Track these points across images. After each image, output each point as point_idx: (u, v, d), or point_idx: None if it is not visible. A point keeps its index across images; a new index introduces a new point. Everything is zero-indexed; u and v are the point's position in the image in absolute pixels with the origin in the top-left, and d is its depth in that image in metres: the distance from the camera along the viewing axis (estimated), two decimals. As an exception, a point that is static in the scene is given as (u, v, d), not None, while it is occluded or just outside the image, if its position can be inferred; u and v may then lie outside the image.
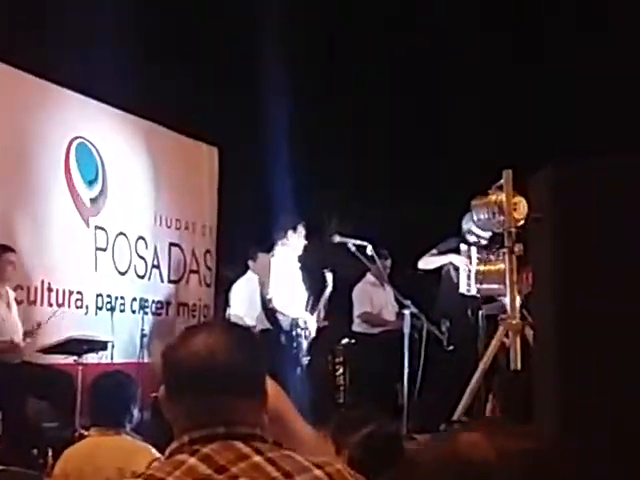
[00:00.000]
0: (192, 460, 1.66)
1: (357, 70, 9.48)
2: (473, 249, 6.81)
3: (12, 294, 6.56)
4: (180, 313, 8.96)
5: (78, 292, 7.56)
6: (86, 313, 7.62)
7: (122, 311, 8.06)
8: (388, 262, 8.08)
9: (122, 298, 8.11)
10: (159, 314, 8.63)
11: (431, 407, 6.79)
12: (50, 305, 7.22)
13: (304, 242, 7.66)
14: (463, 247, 6.99)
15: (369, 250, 7.34)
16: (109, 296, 7.92)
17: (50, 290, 7.27)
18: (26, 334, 6.48)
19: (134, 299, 8.29)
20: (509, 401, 3.50)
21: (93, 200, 7.87)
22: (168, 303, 8.80)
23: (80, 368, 6.34)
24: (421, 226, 8.28)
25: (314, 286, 7.89)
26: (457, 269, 7.07)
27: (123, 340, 7.85)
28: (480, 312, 6.85)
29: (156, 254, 8.68)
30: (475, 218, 6.63)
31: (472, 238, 7.02)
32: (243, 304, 8.01)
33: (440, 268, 7.39)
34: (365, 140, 9.66)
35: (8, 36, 6.67)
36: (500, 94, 8.71)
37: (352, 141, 9.54)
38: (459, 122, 9.04)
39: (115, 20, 7.26)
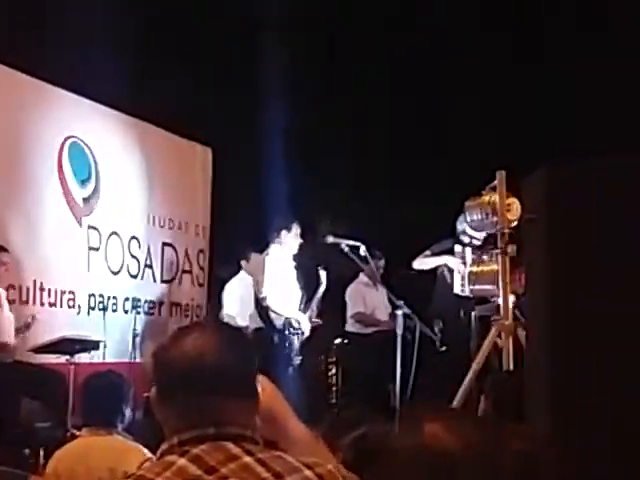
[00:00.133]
0: (182, 461, 1.66)
1: (357, 70, 9.47)
2: (468, 250, 6.80)
3: (4, 293, 6.54)
4: (173, 313, 8.94)
5: (70, 292, 7.54)
6: (78, 313, 7.60)
7: (114, 311, 8.04)
8: (381, 262, 8.10)
9: (115, 298, 8.09)
10: (152, 314, 8.62)
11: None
12: (42, 305, 7.21)
13: (298, 242, 7.66)
14: (458, 248, 6.99)
15: (362, 250, 7.36)
16: (101, 296, 7.90)
17: (42, 289, 7.25)
18: (18, 330, 6.46)
19: (127, 299, 8.28)
20: (501, 401, 3.51)
21: (86, 200, 7.85)
22: (161, 303, 8.79)
23: (72, 368, 6.34)
24: (416, 226, 8.26)
25: (308, 286, 7.89)
26: (451, 270, 7.07)
27: (115, 340, 7.83)
28: (473, 313, 6.85)
29: (149, 254, 8.67)
30: (469, 219, 6.61)
31: (466, 239, 7.02)
32: (236, 304, 8.00)
33: (435, 269, 7.40)
34: (363, 140, 9.64)
35: (1, 35, 6.64)
36: (500, 94, 8.70)
37: (349, 141, 9.52)
38: (458, 122, 9.02)
39: (108, 20, 7.24)
